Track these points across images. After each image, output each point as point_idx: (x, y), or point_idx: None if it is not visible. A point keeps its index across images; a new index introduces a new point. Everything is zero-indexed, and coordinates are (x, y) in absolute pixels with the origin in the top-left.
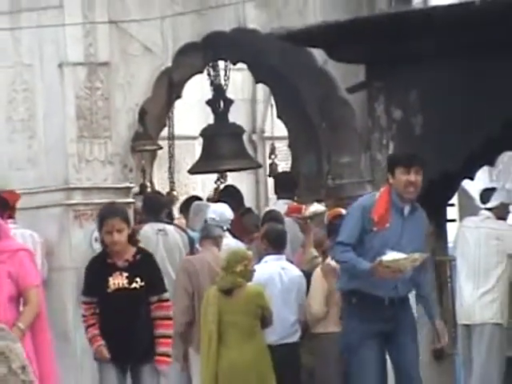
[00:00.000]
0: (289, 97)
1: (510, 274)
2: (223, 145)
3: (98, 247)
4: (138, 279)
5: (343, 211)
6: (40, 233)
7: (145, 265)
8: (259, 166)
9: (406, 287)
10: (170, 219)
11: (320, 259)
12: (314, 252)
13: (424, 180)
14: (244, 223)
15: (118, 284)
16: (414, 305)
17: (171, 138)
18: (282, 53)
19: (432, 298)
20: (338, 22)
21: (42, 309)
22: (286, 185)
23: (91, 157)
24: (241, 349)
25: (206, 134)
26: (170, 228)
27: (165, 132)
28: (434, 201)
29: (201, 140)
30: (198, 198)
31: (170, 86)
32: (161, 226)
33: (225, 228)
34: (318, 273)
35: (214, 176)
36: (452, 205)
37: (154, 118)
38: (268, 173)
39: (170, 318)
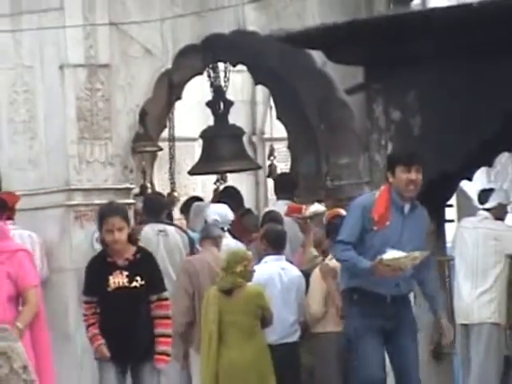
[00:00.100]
0: (288, 98)
1: (508, 274)
2: (223, 146)
3: (98, 247)
4: (138, 278)
5: (342, 211)
6: (41, 233)
7: (145, 264)
8: (259, 167)
9: (408, 285)
10: (169, 220)
11: (320, 259)
12: (314, 252)
13: (423, 180)
14: (244, 224)
15: (119, 283)
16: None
17: (172, 139)
18: (281, 55)
19: (438, 295)
20: (337, 24)
21: (40, 309)
22: (285, 186)
23: (92, 158)
24: (241, 348)
25: (206, 135)
26: (170, 229)
27: (165, 133)
28: (432, 201)
29: (201, 141)
30: (199, 199)
31: (170, 88)
32: (161, 226)
33: (225, 229)
34: (316, 273)
35: (214, 177)
36: (450, 205)
37: (154, 120)
38: (267, 174)
39: (168, 317)
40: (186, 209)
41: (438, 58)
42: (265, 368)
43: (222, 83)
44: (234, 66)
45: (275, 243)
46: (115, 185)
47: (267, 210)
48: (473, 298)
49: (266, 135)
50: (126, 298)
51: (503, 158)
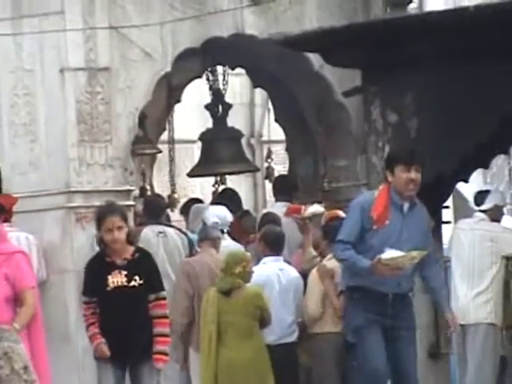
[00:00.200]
0: (286, 101)
1: (504, 275)
2: (222, 149)
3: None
4: (136, 277)
5: (341, 213)
6: (42, 235)
7: (143, 263)
8: (257, 170)
9: (409, 283)
10: (167, 221)
11: (318, 259)
12: (313, 252)
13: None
14: (243, 225)
15: (117, 282)
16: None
17: (171, 141)
18: (280, 58)
19: (443, 289)
20: (334, 27)
21: (37, 310)
22: (283, 188)
23: (92, 160)
24: (240, 348)
25: (205, 138)
26: (169, 230)
27: (164, 136)
28: (429, 203)
29: (200, 144)
30: (199, 201)
31: (169, 91)
32: (161, 228)
33: (224, 230)
34: (314, 274)
35: (213, 179)
36: (447, 207)
37: (153, 122)
38: (264, 176)
39: (166, 317)
40: (185, 210)
41: (435, 61)
42: (263, 368)
43: (221, 86)
44: (233, 69)
45: (273, 245)
46: (115, 187)
47: (265, 211)
48: (469, 299)
49: (265, 138)
50: (124, 298)
51: (499, 160)
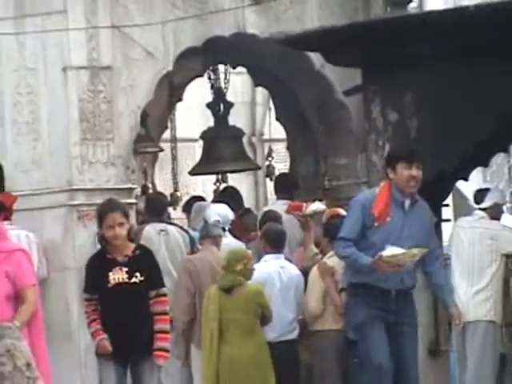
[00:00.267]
0: (287, 100)
1: (504, 273)
2: (223, 147)
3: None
4: (137, 274)
5: (342, 211)
6: (44, 233)
7: (144, 260)
8: (258, 168)
9: (412, 279)
10: (167, 219)
11: (319, 257)
12: (315, 249)
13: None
14: (244, 223)
15: (118, 279)
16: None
17: (174, 140)
18: (281, 57)
19: (446, 284)
20: (335, 26)
21: (38, 308)
22: (284, 186)
23: (94, 159)
24: (241, 345)
25: (207, 136)
26: (171, 228)
27: (166, 134)
28: (429, 201)
29: (201, 142)
30: (201, 198)
31: (171, 90)
32: (162, 226)
33: (226, 228)
34: (314, 272)
35: (214, 177)
36: (447, 205)
37: (155, 121)
38: (265, 174)
39: (167, 313)
40: (187, 208)
41: (435, 61)
42: (265, 365)
43: (222, 85)
44: (234, 68)
45: (274, 242)
46: (117, 185)
47: (266, 209)
48: (469, 297)
49: (266, 136)
50: (126, 294)
51: (499, 158)
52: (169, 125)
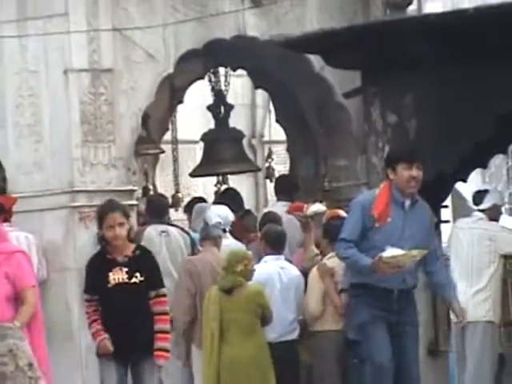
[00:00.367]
0: (287, 102)
1: (502, 273)
2: (224, 149)
3: None
4: (137, 274)
5: (342, 213)
6: (46, 235)
7: (144, 260)
8: (258, 170)
9: (414, 279)
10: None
11: (319, 258)
12: (315, 250)
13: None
14: (244, 224)
15: (118, 279)
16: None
17: (175, 141)
18: (281, 59)
19: (448, 282)
20: (335, 29)
21: (38, 309)
22: (284, 187)
23: (95, 160)
24: (242, 346)
25: (207, 138)
26: (172, 229)
27: (167, 136)
28: (428, 202)
29: (202, 144)
30: (202, 200)
31: (172, 92)
32: (163, 227)
33: (226, 230)
34: (314, 273)
35: (215, 179)
36: (446, 206)
37: (156, 123)
38: (265, 176)
39: (166, 313)
40: (189, 209)
41: (434, 63)
42: (265, 365)
43: (223, 87)
44: (235, 70)
45: (274, 243)
46: (118, 187)
47: (266, 210)
48: (468, 297)
49: (266, 138)
50: (126, 294)
51: (497, 159)
52: (170, 127)
